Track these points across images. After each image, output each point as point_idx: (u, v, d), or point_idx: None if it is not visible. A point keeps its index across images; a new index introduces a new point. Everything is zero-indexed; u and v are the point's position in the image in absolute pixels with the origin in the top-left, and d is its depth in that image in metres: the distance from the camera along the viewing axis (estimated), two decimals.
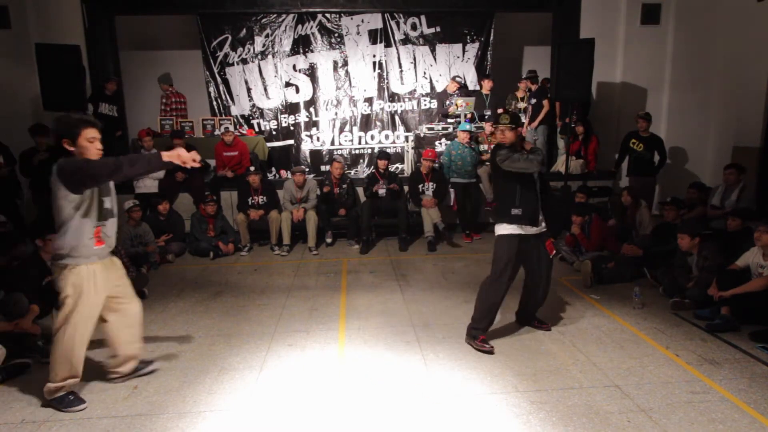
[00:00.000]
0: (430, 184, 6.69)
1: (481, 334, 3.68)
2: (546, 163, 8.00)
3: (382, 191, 6.62)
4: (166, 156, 2.72)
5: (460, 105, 7.56)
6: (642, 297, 4.44)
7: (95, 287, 2.91)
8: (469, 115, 7.57)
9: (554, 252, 3.82)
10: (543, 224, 3.84)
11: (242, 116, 8.52)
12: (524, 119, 7.99)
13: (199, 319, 4.32)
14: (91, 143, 2.82)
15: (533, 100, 7.89)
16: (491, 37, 8.46)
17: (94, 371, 3.48)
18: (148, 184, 6.66)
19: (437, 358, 3.55)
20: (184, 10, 8.18)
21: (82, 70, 6.68)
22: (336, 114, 8.61)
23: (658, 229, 5.38)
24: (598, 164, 7.65)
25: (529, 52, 9.62)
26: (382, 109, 8.63)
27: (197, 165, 2.90)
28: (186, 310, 4.56)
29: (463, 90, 8.03)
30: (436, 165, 6.90)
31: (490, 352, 3.58)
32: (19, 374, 3.43)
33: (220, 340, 3.91)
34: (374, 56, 8.47)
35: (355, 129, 8.62)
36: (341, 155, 8.45)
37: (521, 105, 8.08)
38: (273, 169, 8.24)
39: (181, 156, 2.73)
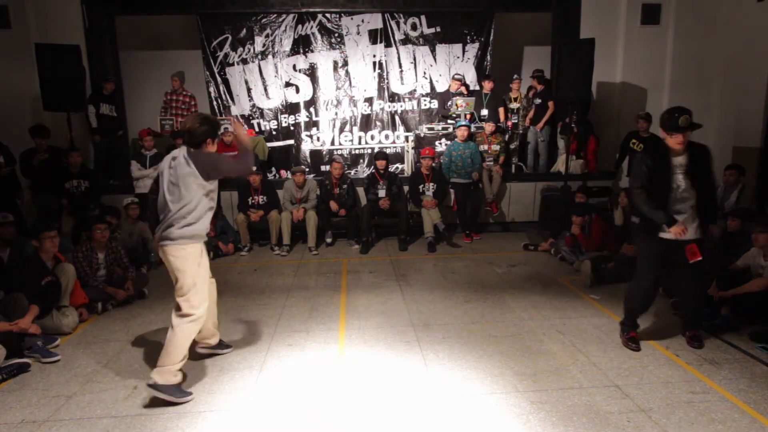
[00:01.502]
0: (431, 184, 6.69)
1: (630, 330, 3.71)
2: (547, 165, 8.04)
3: (381, 193, 6.63)
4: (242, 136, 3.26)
5: (460, 105, 7.57)
6: None
7: (205, 262, 3.21)
8: (468, 116, 7.58)
9: (698, 257, 3.44)
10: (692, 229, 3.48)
11: (242, 116, 8.51)
12: (516, 120, 8.00)
13: None
14: (213, 148, 3.18)
15: (538, 101, 7.87)
16: (491, 37, 8.46)
17: (91, 371, 3.49)
18: (148, 184, 6.62)
19: (437, 357, 3.55)
20: (184, 11, 8.17)
21: (82, 71, 6.68)
22: (336, 114, 8.60)
23: None
24: (598, 164, 7.65)
25: (529, 52, 9.62)
26: (382, 109, 8.63)
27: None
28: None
29: (465, 88, 8.03)
30: (435, 164, 6.90)
31: (635, 349, 3.60)
32: (18, 374, 3.44)
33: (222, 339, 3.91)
34: (374, 56, 8.47)
35: (355, 129, 8.62)
36: (341, 155, 8.46)
37: (514, 105, 8.08)
38: (273, 169, 8.25)
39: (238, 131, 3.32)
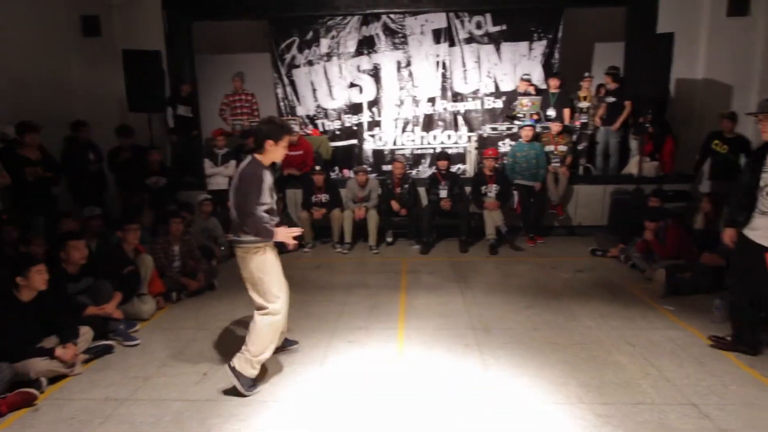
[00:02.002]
0: (493, 186, 6.57)
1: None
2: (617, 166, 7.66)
3: (443, 193, 6.58)
4: (277, 236, 3.09)
5: (525, 105, 7.38)
6: (724, 310, 4.13)
7: (275, 263, 3.25)
8: (535, 115, 7.36)
9: None
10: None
11: (307, 116, 8.74)
12: (585, 120, 7.66)
13: None
14: (284, 149, 3.19)
15: (611, 99, 7.49)
16: (560, 34, 8.17)
17: (165, 356, 3.71)
18: (220, 182, 6.99)
19: (498, 363, 3.49)
20: (255, 15, 8.50)
21: (162, 74, 7.13)
22: (398, 114, 8.63)
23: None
24: (676, 167, 7.19)
25: (600, 49, 9.19)
26: (444, 108, 8.56)
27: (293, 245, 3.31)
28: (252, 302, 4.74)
29: (534, 88, 7.80)
30: (499, 165, 6.77)
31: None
32: (103, 354, 3.73)
33: (284, 333, 4.03)
34: (437, 56, 8.42)
35: (417, 129, 8.60)
36: (403, 155, 8.47)
37: (583, 104, 7.73)
38: (336, 168, 8.40)
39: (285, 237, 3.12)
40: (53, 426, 2.88)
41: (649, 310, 4.40)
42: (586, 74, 7.91)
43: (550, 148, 6.94)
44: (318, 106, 8.75)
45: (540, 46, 8.25)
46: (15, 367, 3.14)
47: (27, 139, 5.16)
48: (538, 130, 7.08)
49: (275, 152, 3.16)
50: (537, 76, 8.26)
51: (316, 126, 8.70)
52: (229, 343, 3.88)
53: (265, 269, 3.14)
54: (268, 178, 3.11)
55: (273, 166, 7.94)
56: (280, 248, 3.36)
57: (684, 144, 7.31)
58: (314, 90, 8.69)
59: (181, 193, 6.96)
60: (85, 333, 3.67)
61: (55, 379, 3.34)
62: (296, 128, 7.46)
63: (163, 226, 5.16)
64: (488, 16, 8.26)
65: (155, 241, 5.08)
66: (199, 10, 8.21)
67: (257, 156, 3.14)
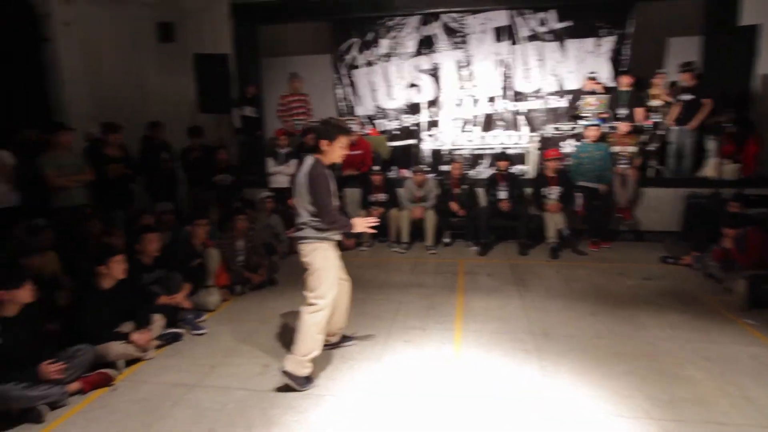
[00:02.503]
0: (556, 187, 6.35)
1: None
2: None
3: (502, 194, 6.45)
4: (356, 227, 3.26)
5: (591, 104, 7.08)
6: None
7: (335, 260, 3.33)
8: (602, 114, 7.05)
9: None
10: None
11: (366, 116, 8.83)
12: (658, 119, 7.22)
13: None
14: (341, 149, 3.21)
15: (687, 96, 7.02)
16: (630, 29, 7.77)
17: (229, 347, 3.86)
18: (282, 180, 7.20)
19: (558, 371, 3.37)
20: (318, 18, 8.68)
21: (229, 77, 7.44)
22: (457, 114, 8.54)
23: None
24: (759, 169, 6.64)
25: (674, 44, 8.65)
26: (505, 108, 8.38)
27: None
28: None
29: (601, 87, 7.47)
30: (561, 166, 6.53)
31: None
32: (173, 342, 3.94)
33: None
34: (498, 54, 8.25)
35: (477, 129, 8.48)
36: (461, 155, 8.37)
37: (655, 102, 7.28)
38: (394, 167, 8.43)
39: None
40: (128, 405, 3.08)
41: (728, 324, 4.10)
42: (659, 71, 7.47)
43: (617, 148, 6.62)
44: (377, 107, 8.82)
45: (608, 42, 7.89)
46: (96, 350, 3.38)
47: (110, 138, 5.56)
48: (604, 129, 6.78)
49: (333, 152, 3.20)
50: (604, 73, 7.91)
51: (374, 126, 8.77)
52: (289, 337, 3.98)
53: (326, 264, 3.23)
54: (331, 178, 3.22)
55: (332, 166, 8.05)
56: (339, 246, 3.43)
57: None
58: (373, 90, 8.77)
59: (246, 190, 7.23)
60: (158, 320, 3.91)
61: (130, 362, 3.57)
62: (355, 128, 7.54)
63: (229, 222, 5.38)
64: (553, 13, 7.99)
65: (221, 236, 5.31)
66: (264, 15, 8.49)
67: (318, 156, 3.21)
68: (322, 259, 3.23)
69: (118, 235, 4.65)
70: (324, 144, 3.16)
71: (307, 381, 3.22)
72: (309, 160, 3.23)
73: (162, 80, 8.24)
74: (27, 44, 6.42)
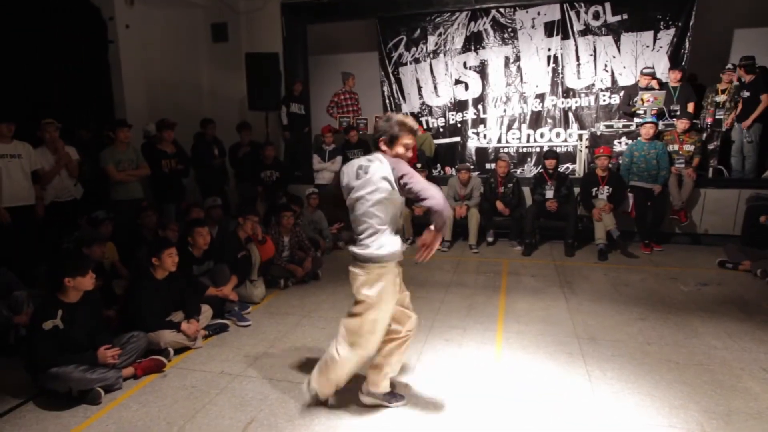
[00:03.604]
0: (606, 187, 6.13)
1: None
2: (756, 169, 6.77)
3: (549, 194, 6.28)
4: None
5: (647, 100, 6.77)
6: None
7: (395, 289, 2.65)
8: (655, 111, 6.74)
9: None
10: None
11: (412, 113, 8.80)
12: (722, 115, 6.81)
13: None
14: (405, 150, 2.62)
15: (746, 93, 6.63)
16: (691, 21, 7.37)
17: (273, 338, 3.95)
18: (327, 177, 7.32)
19: (604, 376, 3.25)
20: (365, 15, 8.74)
21: (279, 75, 7.60)
22: (504, 111, 8.38)
23: None
24: None
25: (740, 36, 8.14)
26: (554, 105, 8.15)
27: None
28: (353, 294, 4.90)
29: (657, 82, 7.15)
30: (613, 165, 6.29)
31: None
32: (220, 332, 4.07)
33: None
34: (549, 50, 8.03)
35: (524, 126, 8.29)
36: (507, 153, 8.22)
37: (720, 98, 6.87)
38: (438, 165, 8.38)
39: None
40: (177, 391, 3.22)
41: None
42: (729, 66, 7.03)
43: (674, 147, 6.32)
44: (423, 104, 8.79)
45: (667, 36, 7.52)
46: (149, 337, 3.55)
47: (165, 134, 5.80)
48: (660, 127, 6.47)
49: (392, 152, 2.62)
50: (662, 68, 7.55)
51: (420, 123, 8.74)
52: (330, 331, 4.05)
53: (388, 299, 2.62)
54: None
55: None
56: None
57: None
58: (419, 87, 8.75)
59: (291, 186, 7.38)
60: (206, 311, 4.06)
61: (180, 350, 3.72)
62: None
63: (275, 218, 5.51)
64: (608, 5, 7.70)
65: (267, 231, 5.44)
66: (313, 13, 8.62)
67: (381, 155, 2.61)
68: (388, 293, 2.59)
69: (172, 228, 4.86)
70: (382, 143, 2.61)
71: (396, 395, 2.94)
72: (368, 161, 2.60)
73: (214, 79, 8.53)
74: (94, 46, 6.81)
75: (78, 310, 3.21)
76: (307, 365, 3.50)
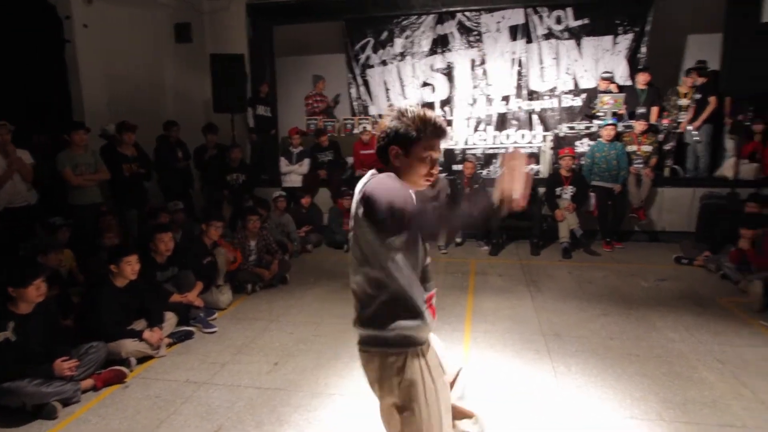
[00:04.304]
0: (569, 187, 6.28)
1: None
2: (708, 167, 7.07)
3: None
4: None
5: (606, 102, 6.98)
6: None
7: (441, 377, 1.79)
8: (621, 111, 6.96)
9: None
10: None
11: (380, 116, 8.81)
12: (684, 117, 7.09)
13: (333, 307, 4.59)
14: (424, 164, 1.74)
15: (698, 96, 6.93)
16: (648, 27, 7.65)
17: (240, 344, 3.89)
18: (294, 179, 7.26)
19: (569, 372, 3.33)
20: (332, 17, 8.71)
21: (244, 77, 7.49)
22: (471, 113, 8.50)
23: None
24: None
25: (694, 41, 8.49)
26: (519, 107, 8.31)
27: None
28: (321, 297, 4.88)
29: (615, 86, 7.37)
30: (576, 166, 6.46)
31: None
32: (185, 340, 3.98)
33: (351, 328, 4.10)
34: (513, 53, 8.19)
35: (490, 128, 8.41)
36: (474, 155, 8.32)
37: (683, 102, 7.14)
38: None
39: None
40: (140, 402, 3.12)
41: (743, 326, 4.01)
42: (690, 68, 7.29)
43: (632, 148, 6.53)
44: (390, 106, 8.80)
45: (625, 40, 7.79)
46: (109, 347, 3.43)
47: (125, 137, 5.63)
48: (620, 129, 6.68)
49: (410, 166, 1.74)
50: (621, 71, 7.81)
51: None
52: (299, 335, 4.01)
53: (432, 399, 1.71)
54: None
55: (345, 165, 8.01)
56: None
57: None
58: (387, 89, 8.78)
59: (258, 189, 7.28)
60: (170, 318, 3.96)
61: (142, 359, 3.62)
62: (368, 128, 7.55)
63: (241, 222, 5.42)
64: (569, 10, 7.92)
65: (233, 236, 5.35)
66: (279, 14, 8.54)
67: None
68: (427, 392, 1.70)
69: (109, 237, 4.69)
70: (394, 152, 1.71)
71: None
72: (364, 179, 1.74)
73: (178, 80, 8.33)
74: (50, 46, 6.56)
75: (31, 321, 3.08)
76: (275, 370, 3.46)
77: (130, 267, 3.63)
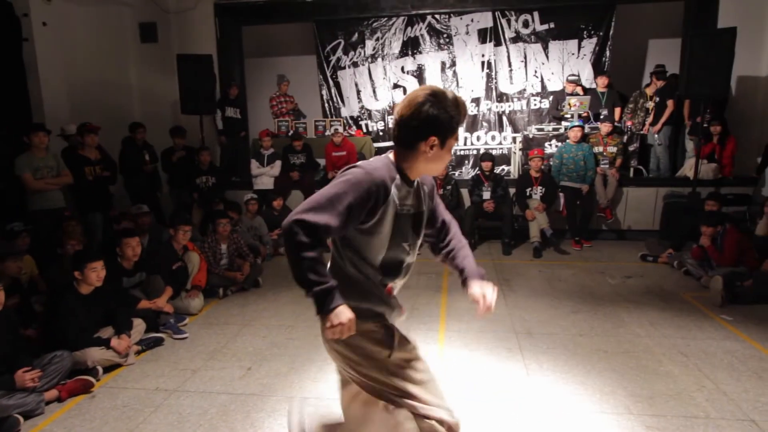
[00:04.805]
0: (539, 187, 6.42)
1: None
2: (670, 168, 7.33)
3: (486, 195, 6.49)
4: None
5: (573, 105, 7.17)
6: None
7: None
8: (584, 114, 7.15)
9: None
10: None
11: (351, 117, 8.83)
12: (650, 119, 7.35)
13: (306, 310, 4.55)
14: (452, 147, 1.67)
15: (657, 99, 7.21)
16: (611, 31, 7.89)
17: (212, 350, 3.82)
18: (266, 182, 7.18)
19: (540, 368, 3.40)
20: (302, 18, 8.66)
21: (213, 78, 7.37)
22: None
23: None
24: (735, 169, 6.79)
25: (654, 46, 8.82)
26: (489, 109, 8.45)
27: None
28: (295, 300, 4.83)
29: (581, 89, 7.57)
30: (545, 166, 6.60)
31: None
32: (155, 347, 3.88)
33: None
34: (483, 56, 8.32)
35: (461, 130, 8.52)
36: None
37: (650, 104, 7.39)
38: None
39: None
40: (108, 413, 3.02)
41: (705, 320, 4.17)
42: (657, 69, 7.54)
43: (599, 149, 6.72)
44: (362, 107, 8.82)
45: (590, 44, 8.01)
46: (74, 356, 3.32)
47: (87, 140, 5.47)
48: (586, 130, 6.87)
49: (437, 157, 1.65)
50: (586, 74, 8.02)
51: (360, 127, 8.77)
52: (272, 339, 3.97)
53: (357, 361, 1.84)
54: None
55: (317, 167, 7.96)
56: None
57: (744, 145, 6.90)
58: (358, 91, 8.78)
59: (228, 192, 7.17)
60: (138, 325, 3.85)
61: (109, 368, 3.50)
62: (340, 129, 7.53)
63: (211, 225, 5.33)
64: (536, 15, 8.09)
65: (203, 239, 5.25)
66: (248, 15, 8.44)
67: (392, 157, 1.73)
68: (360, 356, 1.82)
69: (72, 244, 4.52)
70: (431, 142, 1.58)
71: None
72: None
73: (144, 81, 8.13)
74: (6, 44, 6.30)
75: None
76: (248, 375, 3.41)
77: (95, 273, 3.52)
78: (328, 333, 1.63)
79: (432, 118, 1.55)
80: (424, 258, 6.61)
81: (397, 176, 1.64)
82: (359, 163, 1.63)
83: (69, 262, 3.75)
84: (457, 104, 1.58)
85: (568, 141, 6.67)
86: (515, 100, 8.40)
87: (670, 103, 7.07)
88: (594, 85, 7.77)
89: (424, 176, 1.80)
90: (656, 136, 7.23)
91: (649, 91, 7.40)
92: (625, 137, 7.23)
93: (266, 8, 8.27)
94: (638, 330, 3.98)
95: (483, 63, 8.33)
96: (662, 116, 7.13)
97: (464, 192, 6.94)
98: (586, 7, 7.92)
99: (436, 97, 1.56)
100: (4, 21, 6.28)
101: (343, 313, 1.59)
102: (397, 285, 1.86)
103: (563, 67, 8.14)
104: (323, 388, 3.23)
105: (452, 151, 1.65)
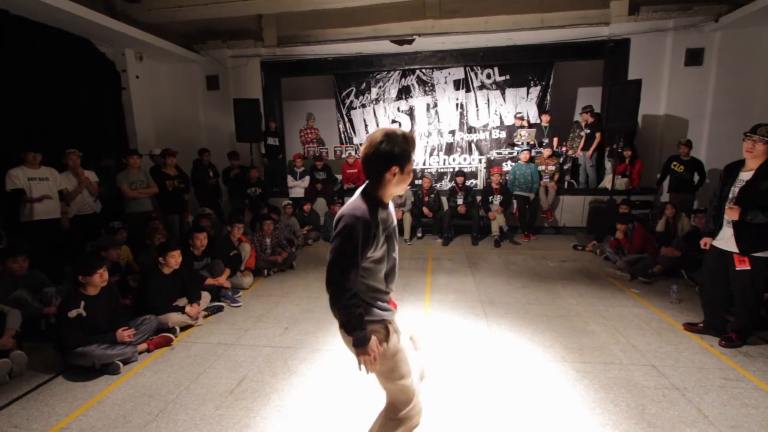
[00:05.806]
0: (498, 196, 6.42)
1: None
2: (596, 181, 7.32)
3: (460, 201, 6.49)
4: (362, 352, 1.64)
5: (523, 135, 7.17)
6: (680, 293, 3.88)
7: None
8: (532, 142, 7.15)
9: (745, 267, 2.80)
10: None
11: (361, 144, 8.82)
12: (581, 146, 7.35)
13: None
14: (411, 170, 1.60)
15: (587, 131, 7.21)
16: (551, 81, 7.90)
17: (259, 315, 3.83)
18: (298, 192, 7.17)
19: (499, 328, 3.41)
20: (325, 72, 8.66)
21: (259, 116, 7.38)
22: (427, 142, 8.58)
23: (690, 235, 4.66)
24: (641, 182, 6.79)
25: (582, 92, 8.83)
26: (462, 138, 8.44)
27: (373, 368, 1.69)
28: (320, 278, 4.84)
29: (527, 122, 7.58)
30: (502, 180, 6.60)
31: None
32: (217, 312, 3.89)
33: None
34: (457, 99, 8.32)
35: (441, 153, 8.53)
36: (430, 173, 8.41)
37: (582, 134, 7.40)
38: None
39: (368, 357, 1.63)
40: (183, 360, 3.04)
41: (619, 292, 4.18)
42: (582, 110, 7.52)
43: (542, 167, 6.72)
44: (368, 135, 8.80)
45: (535, 91, 8.01)
46: (159, 319, 3.34)
47: (168, 161, 5.48)
48: (533, 154, 6.87)
49: (392, 183, 1.59)
50: (533, 113, 8.03)
51: None
52: (303, 306, 3.98)
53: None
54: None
55: (335, 180, 7.94)
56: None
57: (648, 164, 6.91)
58: (366, 125, 8.78)
59: (271, 199, 7.18)
60: (205, 296, 3.86)
61: (184, 327, 3.53)
62: (353, 153, 7.54)
63: (259, 224, 5.34)
64: (496, 69, 8.09)
65: (253, 235, 5.26)
66: (285, 69, 8.45)
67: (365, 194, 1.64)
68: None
69: (158, 237, 4.53)
70: (393, 171, 1.55)
71: None
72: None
73: (209, 118, 8.15)
74: (111, 92, 6.35)
75: (98, 301, 2.98)
76: (285, 333, 3.43)
77: (174, 259, 3.54)
78: (369, 368, 1.63)
79: (389, 153, 1.52)
80: (414, 248, 6.59)
81: (376, 204, 1.58)
82: (343, 211, 1.54)
83: (155, 250, 3.76)
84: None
85: (519, 161, 6.67)
86: (481, 131, 8.40)
87: (598, 135, 7.05)
88: (539, 121, 7.76)
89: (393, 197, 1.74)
90: (588, 159, 7.22)
91: (583, 122, 7.39)
92: (562, 159, 7.23)
93: (298, 65, 8.27)
94: (571, 300, 3.99)
95: (457, 104, 8.34)
96: (592, 144, 7.12)
97: (443, 199, 6.95)
98: (533, 64, 7.91)
99: (389, 136, 1.53)
100: (108, 75, 6.33)
101: (373, 344, 1.63)
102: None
103: (516, 107, 8.13)
104: (338, 341, 3.23)
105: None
